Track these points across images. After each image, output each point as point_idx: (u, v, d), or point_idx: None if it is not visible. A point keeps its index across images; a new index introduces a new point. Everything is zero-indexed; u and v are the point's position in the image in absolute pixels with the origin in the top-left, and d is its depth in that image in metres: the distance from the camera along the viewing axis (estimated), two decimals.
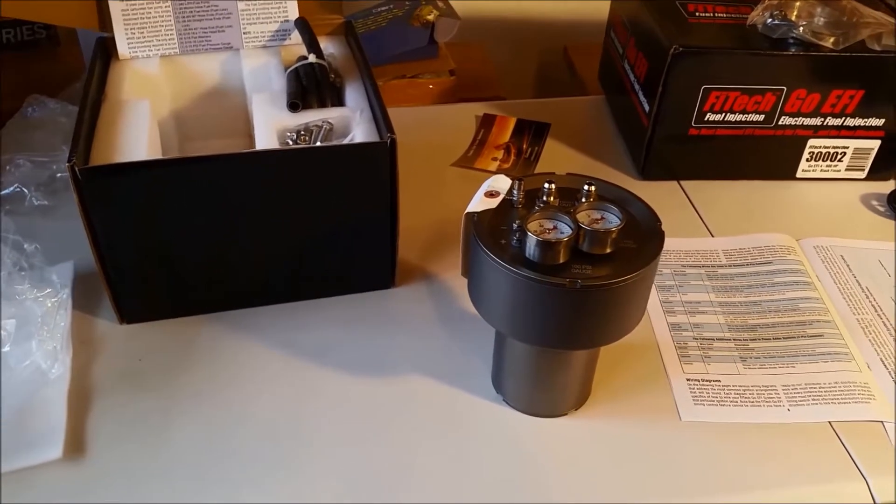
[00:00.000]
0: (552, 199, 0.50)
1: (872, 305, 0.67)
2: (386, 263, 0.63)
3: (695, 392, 0.58)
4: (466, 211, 0.49)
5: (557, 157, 0.82)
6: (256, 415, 0.55)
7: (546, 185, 0.50)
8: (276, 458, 0.52)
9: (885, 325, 0.65)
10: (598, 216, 0.48)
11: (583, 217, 0.48)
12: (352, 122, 0.60)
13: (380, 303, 0.64)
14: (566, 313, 0.46)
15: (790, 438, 0.55)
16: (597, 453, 0.53)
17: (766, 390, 0.58)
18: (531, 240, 0.45)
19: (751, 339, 0.63)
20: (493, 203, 0.50)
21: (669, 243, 0.71)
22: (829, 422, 0.56)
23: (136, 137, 0.57)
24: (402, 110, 0.88)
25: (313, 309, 0.63)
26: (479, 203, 0.50)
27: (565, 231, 0.46)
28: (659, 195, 0.77)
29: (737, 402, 0.58)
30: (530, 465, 0.52)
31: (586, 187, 0.50)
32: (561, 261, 0.46)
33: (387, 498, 0.50)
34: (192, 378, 0.57)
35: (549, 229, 0.47)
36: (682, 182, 0.80)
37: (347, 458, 0.52)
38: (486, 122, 0.86)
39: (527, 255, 0.46)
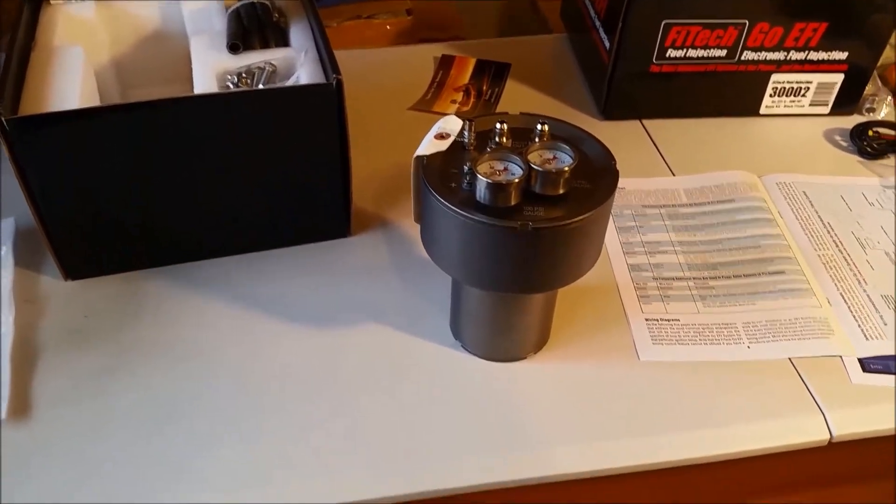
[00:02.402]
0: (504, 139, 0.48)
1: (834, 241, 0.66)
2: (339, 212, 0.61)
3: (653, 332, 0.58)
4: (416, 154, 0.48)
5: (518, 98, 0.80)
6: (206, 370, 0.54)
7: (498, 126, 0.48)
8: (228, 414, 0.51)
9: (845, 260, 0.64)
10: (551, 156, 0.46)
11: (534, 157, 0.46)
12: (296, 63, 0.57)
13: (335, 252, 0.62)
14: (519, 257, 0.45)
15: (749, 375, 0.55)
16: (556, 396, 0.53)
17: (725, 328, 0.58)
18: (481, 182, 0.44)
19: (711, 278, 0.62)
20: (444, 145, 0.48)
21: (630, 183, 0.71)
22: (789, 358, 0.56)
23: (69, 85, 0.54)
24: (358, 52, 0.85)
25: (266, 260, 0.61)
26: (428, 146, 0.48)
27: (516, 172, 0.45)
28: (620, 135, 0.76)
29: (696, 340, 0.57)
30: (490, 410, 0.52)
31: (539, 127, 0.48)
32: (512, 203, 0.44)
33: (346, 447, 0.49)
34: (140, 334, 0.55)
35: (499, 171, 0.45)
36: (644, 121, 0.78)
37: (303, 410, 0.51)
38: (445, 64, 0.84)
39: (477, 198, 0.44)
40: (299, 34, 0.60)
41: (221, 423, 0.50)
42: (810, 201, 0.70)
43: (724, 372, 0.55)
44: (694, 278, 0.62)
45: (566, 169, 0.45)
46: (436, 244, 0.48)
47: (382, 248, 0.63)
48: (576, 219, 0.44)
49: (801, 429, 0.53)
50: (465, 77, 0.82)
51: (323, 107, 0.54)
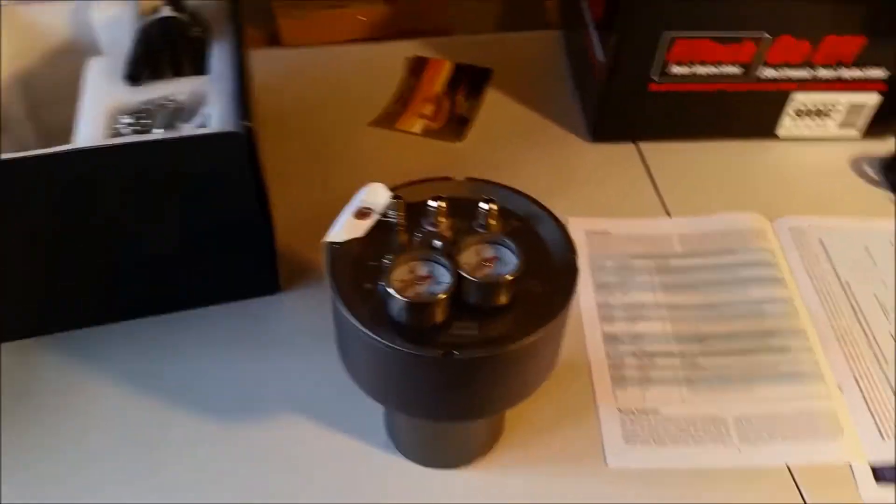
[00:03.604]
0: (441, 220, 0.39)
1: (852, 306, 0.56)
2: (264, 265, 0.52)
3: (627, 427, 0.49)
4: (324, 240, 0.38)
5: (497, 114, 0.70)
6: (95, 464, 0.46)
7: (432, 205, 0.39)
8: None
9: (864, 332, 0.55)
10: (491, 254, 0.37)
11: (469, 257, 0.37)
12: (209, 95, 0.47)
13: (260, 314, 0.53)
14: (445, 387, 0.36)
15: (737, 487, 0.46)
16: None
17: (713, 423, 0.49)
18: (395, 300, 0.35)
19: (701, 354, 0.53)
20: (363, 227, 0.39)
21: (616, 226, 0.61)
22: (787, 464, 0.47)
23: None
24: (319, 51, 0.75)
25: (175, 326, 0.52)
26: (344, 227, 0.39)
27: (443, 281, 0.35)
28: (610, 162, 0.66)
29: (676, 439, 0.48)
30: None
31: (484, 206, 0.39)
32: (438, 320, 0.35)
33: None
34: (16, 417, 0.47)
35: (421, 277, 0.36)
36: (641, 144, 0.68)
37: None
38: (416, 68, 0.73)
39: (392, 314, 0.35)
40: (222, 55, 0.50)
41: None
42: (827, 253, 0.60)
43: (708, 482, 0.46)
44: (681, 354, 0.53)
45: (507, 278, 0.35)
46: (349, 359, 0.39)
47: (316, 308, 0.53)
48: (516, 344, 0.35)
49: None
50: (439, 84, 0.72)
51: (231, 156, 0.44)
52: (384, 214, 0.39)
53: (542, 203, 0.41)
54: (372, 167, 0.64)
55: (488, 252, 0.37)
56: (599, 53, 0.64)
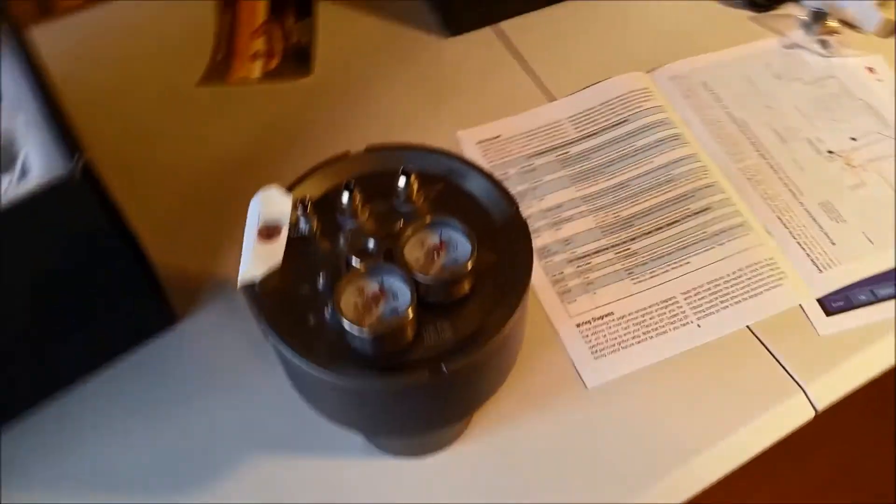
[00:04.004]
0: (359, 211, 0.33)
1: (752, 143, 0.56)
2: (149, 300, 0.44)
3: (590, 340, 0.47)
4: (239, 282, 0.32)
5: (339, 32, 0.61)
6: None
7: (346, 198, 0.33)
8: None
9: (771, 167, 0.54)
10: (436, 240, 0.32)
11: (414, 251, 0.31)
12: (16, 132, 0.37)
13: (164, 357, 0.45)
14: (432, 402, 0.32)
15: (711, 365, 0.46)
16: (505, 480, 0.42)
17: (666, 307, 0.48)
18: (357, 337, 0.29)
19: (630, 240, 0.51)
20: (276, 252, 0.32)
21: (506, 126, 0.56)
22: (747, 326, 0.47)
23: None
24: (105, 10, 0.62)
25: (75, 404, 0.43)
26: (252, 260, 0.32)
27: (401, 294, 0.30)
28: (476, 55, 0.61)
29: (639, 335, 0.47)
30: None
31: (402, 183, 0.33)
32: (410, 338, 0.30)
33: None
34: None
35: (373, 295, 0.30)
36: (502, 25, 0.62)
37: None
38: (228, 3, 0.63)
39: (356, 347, 0.30)
40: (5, 62, 0.39)
41: None
42: (715, 94, 0.58)
43: (683, 367, 0.46)
44: (612, 246, 0.50)
45: (466, 267, 0.30)
46: (312, 398, 0.33)
47: (225, 327, 0.46)
48: (499, 333, 0.30)
49: (784, 415, 0.45)
50: (261, 12, 0.62)
51: (74, 202, 0.36)
52: (294, 225, 0.33)
53: (459, 155, 0.36)
54: (218, 137, 0.55)
55: (433, 239, 0.32)
56: None
